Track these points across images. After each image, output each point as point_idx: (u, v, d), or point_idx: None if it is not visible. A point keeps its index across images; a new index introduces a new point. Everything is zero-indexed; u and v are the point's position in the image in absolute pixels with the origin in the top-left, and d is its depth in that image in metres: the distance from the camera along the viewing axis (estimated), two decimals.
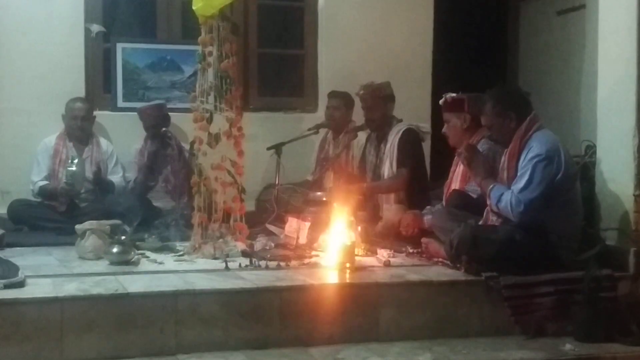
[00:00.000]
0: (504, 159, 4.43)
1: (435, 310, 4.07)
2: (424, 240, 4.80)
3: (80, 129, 6.00)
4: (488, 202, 4.37)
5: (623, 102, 4.63)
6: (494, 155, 4.65)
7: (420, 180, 5.52)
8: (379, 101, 5.57)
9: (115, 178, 6.09)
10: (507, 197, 4.20)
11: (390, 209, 5.40)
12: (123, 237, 4.53)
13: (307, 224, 5.03)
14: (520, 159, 4.27)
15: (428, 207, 5.13)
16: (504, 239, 4.18)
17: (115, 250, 4.42)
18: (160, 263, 4.51)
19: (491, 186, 4.33)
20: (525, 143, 4.28)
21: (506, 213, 4.23)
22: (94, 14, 6.40)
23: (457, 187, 4.90)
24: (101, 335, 3.60)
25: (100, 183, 5.94)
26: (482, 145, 4.76)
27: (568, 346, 3.91)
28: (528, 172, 4.18)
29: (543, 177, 4.17)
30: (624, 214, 4.56)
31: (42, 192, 5.90)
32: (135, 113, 6.25)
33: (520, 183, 4.19)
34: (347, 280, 4.21)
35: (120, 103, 6.45)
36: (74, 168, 5.73)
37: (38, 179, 5.94)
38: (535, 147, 4.23)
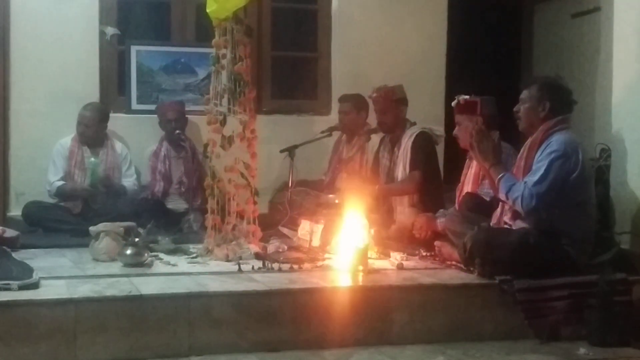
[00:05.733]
0: (523, 148, 4.40)
1: (449, 313, 4.06)
2: (437, 243, 4.79)
3: (86, 136, 6.00)
4: (499, 195, 4.35)
5: (638, 104, 4.61)
6: (505, 158, 4.64)
7: (433, 183, 5.51)
8: (391, 104, 5.56)
9: (128, 182, 6.10)
10: (519, 189, 4.17)
11: (404, 212, 5.39)
12: (136, 239, 4.55)
13: (320, 227, 5.03)
14: (538, 150, 4.25)
15: (441, 210, 5.12)
16: (518, 242, 4.16)
17: (128, 252, 4.44)
18: (174, 265, 4.52)
19: (501, 175, 4.30)
20: (547, 137, 4.26)
21: (516, 205, 4.20)
22: (108, 16, 6.43)
23: (469, 190, 4.89)
24: (114, 336, 3.61)
25: (110, 188, 5.96)
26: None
27: (582, 350, 3.89)
28: (544, 167, 4.15)
29: (558, 173, 4.14)
30: (638, 217, 4.53)
31: (60, 192, 5.93)
32: (149, 116, 6.28)
33: (535, 177, 4.16)
34: (360, 283, 4.21)
35: (135, 105, 6.48)
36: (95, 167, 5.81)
37: (55, 178, 5.96)
38: (554, 143, 4.21)
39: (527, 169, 4.27)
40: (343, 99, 6.19)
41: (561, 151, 4.18)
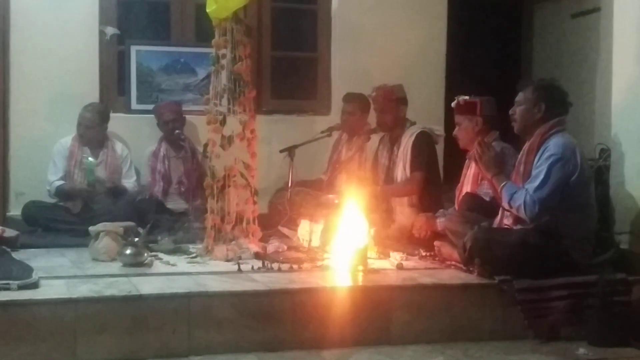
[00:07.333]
0: (521, 153, 4.41)
1: (448, 313, 4.06)
2: (436, 243, 4.79)
3: (86, 137, 5.99)
4: (503, 204, 4.35)
5: (637, 104, 4.61)
6: (505, 158, 4.64)
7: (433, 183, 5.51)
8: (391, 104, 5.56)
9: (129, 183, 6.09)
10: (521, 196, 4.18)
11: (403, 212, 5.39)
12: (136, 239, 4.55)
13: (320, 227, 5.03)
14: (537, 155, 4.25)
15: (441, 210, 5.12)
16: (518, 242, 4.16)
17: (128, 252, 4.44)
18: (173, 265, 4.52)
19: (503, 183, 4.31)
20: (544, 140, 4.26)
21: (519, 212, 4.21)
22: (108, 16, 6.43)
23: (469, 190, 4.90)
24: (114, 336, 3.61)
25: (115, 192, 5.97)
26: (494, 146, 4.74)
27: (581, 350, 3.89)
28: (543, 172, 4.16)
29: (558, 177, 4.15)
30: (638, 217, 4.53)
31: (59, 191, 5.93)
32: (149, 115, 6.27)
33: (535, 182, 4.17)
34: (360, 283, 4.21)
35: (134, 105, 6.47)
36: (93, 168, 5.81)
37: (55, 178, 5.95)
38: (552, 147, 4.21)
39: (527, 174, 4.27)
40: (349, 99, 6.15)
41: (559, 154, 4.18)
